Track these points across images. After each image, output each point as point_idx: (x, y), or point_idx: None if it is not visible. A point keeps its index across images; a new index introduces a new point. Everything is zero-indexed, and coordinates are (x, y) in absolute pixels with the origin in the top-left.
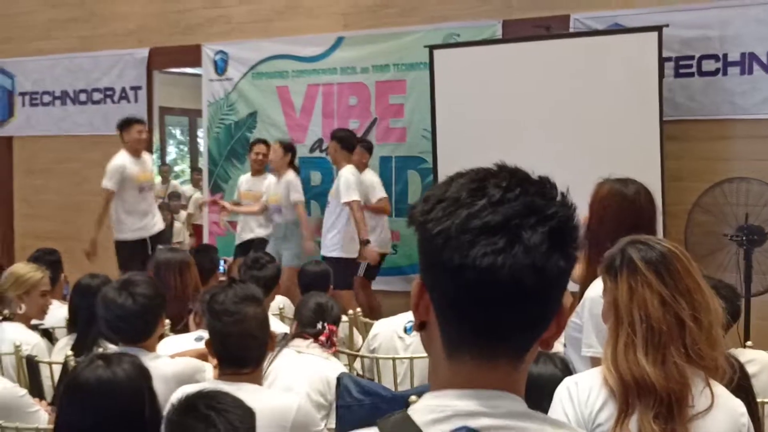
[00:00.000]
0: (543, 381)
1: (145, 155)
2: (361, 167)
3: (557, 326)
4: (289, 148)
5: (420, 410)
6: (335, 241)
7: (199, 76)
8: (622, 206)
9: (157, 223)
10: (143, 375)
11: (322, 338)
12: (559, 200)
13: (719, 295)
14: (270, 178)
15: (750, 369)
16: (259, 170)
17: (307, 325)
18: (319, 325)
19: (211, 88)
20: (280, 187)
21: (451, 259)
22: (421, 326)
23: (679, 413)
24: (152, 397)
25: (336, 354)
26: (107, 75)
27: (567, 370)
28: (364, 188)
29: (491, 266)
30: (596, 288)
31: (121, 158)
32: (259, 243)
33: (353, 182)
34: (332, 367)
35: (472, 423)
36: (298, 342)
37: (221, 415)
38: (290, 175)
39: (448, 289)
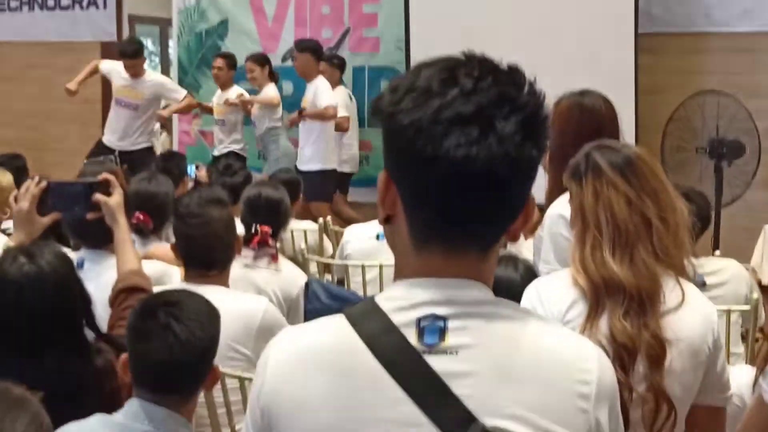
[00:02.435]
0: (500, 283)
1: (149, 79)
2: (333, 85)
3: (525, 218)
4: (264, 60)
5: (388, 298)
6: (312, 153)
7: None
8: (582, 116)
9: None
10: (68, 264)
11: (253, 245)
12: (529, 89)
13: (690, 201)
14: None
15: (720, 277)
16: (223, 85)
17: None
18: (253, 229)
19: None
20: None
21: (424, 151)
22: (386, 220)
23: (651, 309)
24: (80, 288)
25: (300, 261)
26: None
27: (531, 276)
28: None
29: (465, 157)
30: (557, 206)
31: (116, 64)
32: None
33: (330, 91)
34: (281, 283)
35: (440, 310)
36: (246, 252)
37: (181, 323)
38: (270, 88)
39: (418, 181)
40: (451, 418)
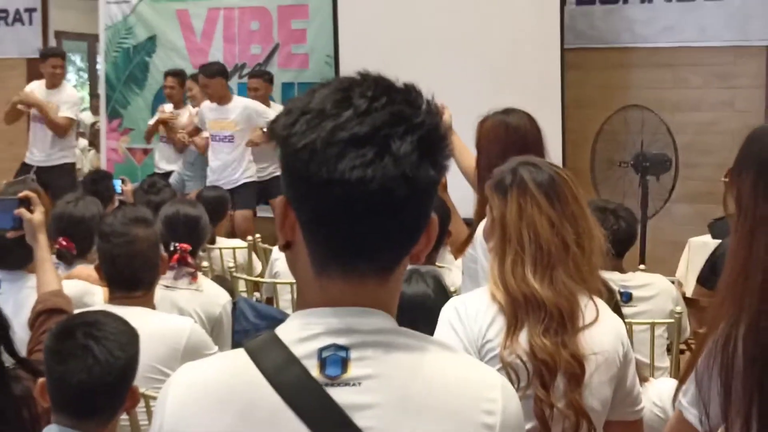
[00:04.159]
0: (416, 300)
1: (67, 89)
2: (265, 100)
3: (427, 239)
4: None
5: (288, 329)
6: (247, 168)
7: None
8: (507, 134)
9: (48, 159)
10: None
11: (172, 262)
12: (425, 108)
13: (618, 216)
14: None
15: (647, 291)
16: (176, 103)
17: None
18: (172, 247)
19: (109, 11)
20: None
21: (318, 174)
22: (286, 246)
23: (571, 327)
24: None
25: (224, 280)
26: None
27: (440, 288)
28: None
29: (361, 179)
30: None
31: (34, 84)
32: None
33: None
34: (203, 303)
35: (341, 340)
36: (168, 273)
37: (100, 344)
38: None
39: (315, 205)
40: None
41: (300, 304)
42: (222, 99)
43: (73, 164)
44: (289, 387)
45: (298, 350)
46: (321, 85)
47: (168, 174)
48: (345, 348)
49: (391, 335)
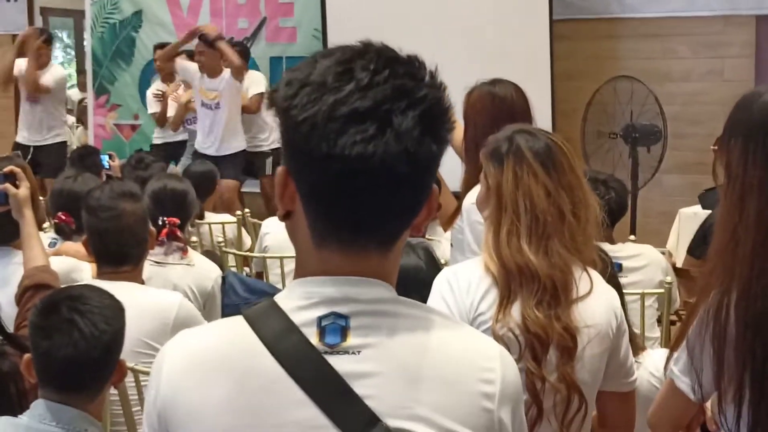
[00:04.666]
0: (407, 272)
1: (55, 68)
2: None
3: (428, 211)
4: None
5: (287, 297)
6: (237, 137)
7: None
8: (494, 105)
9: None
10: None
11: (161, 237)
12: (428, 81)
13: (608, 187)
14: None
15: (637, 262)
16: (168, 75)
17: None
18: (160, 221)
19: None
20: None
21: (319, 148)
22: (286, 216)
23: (564, 300)
24: None
25: (213, 255)
26: None
27: (431, 259)
28: None
29: (361, 155)
30: (473, 195)
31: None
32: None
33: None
34: (195, 277)
35: (340, 309)
36: (158, 249)
37: (85, 317)
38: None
39: (315, 179)
40: (354, 419)
41: (299, 273)
42: (213, 71)
43: (64, 142)
44: (288, 355)
45: (297, 318)
46: (322, 56)
47: (160, 145)
48: (344, 317)
49: (391, 305)
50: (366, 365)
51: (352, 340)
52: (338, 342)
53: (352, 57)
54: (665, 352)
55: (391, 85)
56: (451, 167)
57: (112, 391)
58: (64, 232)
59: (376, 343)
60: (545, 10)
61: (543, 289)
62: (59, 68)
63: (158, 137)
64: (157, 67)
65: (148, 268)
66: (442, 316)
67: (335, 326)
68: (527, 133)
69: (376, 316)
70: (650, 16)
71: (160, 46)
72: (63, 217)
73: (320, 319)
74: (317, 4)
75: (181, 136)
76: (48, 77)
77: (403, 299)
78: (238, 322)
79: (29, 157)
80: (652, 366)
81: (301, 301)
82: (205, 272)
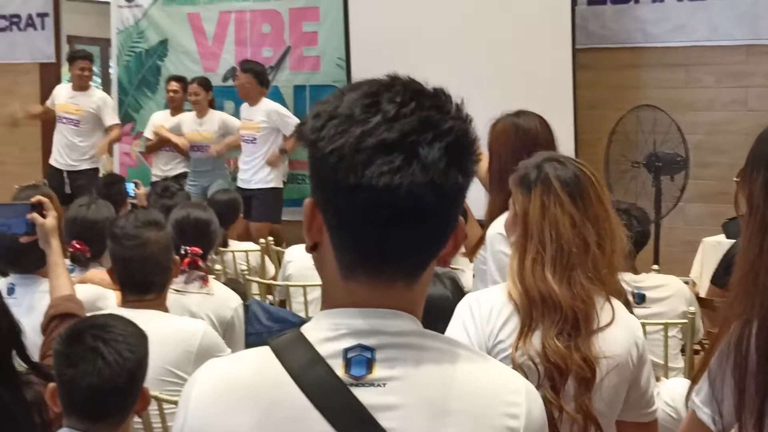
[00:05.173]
0: (434, 302)
1: (98, 93)
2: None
3: (454, 243)
4: (208, 86)
5: (314, 328)
6: (269, 171)
7: (107, 3)
8: (518, 137)
9: (77, 164)
10: None
11: (183, 266)
12: (454, 113)
13: (631, 217)
14: (185, 116)
15: (660, 293)
16: (176, 108)
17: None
18: (182, 250)
19: (121, 15)
20: (213, 125)
21: (346, 180)
22: (313, 248)
23: (585, 330)
24: (8, 317)
25: (237, 283)
26: (12, 1)
27: (457, 289)
28: None
29: (388, 186)
30: (496, 225)
31: (60, 87)
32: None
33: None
34: (214, 306)
35: (366, 341)
36: (179, 277)
37: (109, 345)
38: (217, 113)
39: (342, 210)
40: None
41: (326, 304)
42: (246, 96)
43: (97, 169)
44: (313, 386)
45: (323, 350)
46: (349, 88)
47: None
48: (370, 349)
49: (417, 337)
50: (391, 398)
51: (377, 373)
52: (364, 374)
53: (378, 90)
54: (682, 381)
55: (417, 117)
56: (476, 196)
57: (136, 419)
58: (79, 261)
59: (401, 375)
60: (568, 40)
61: (564, 319)
62: (104, 95)
63: (155, 175)
64: (169, 99)
65: (167, 297)
66: (467, 350)
67: (361, 358)
68: (557, 162)
69: (402, 349)
70: (673, 45)
71: (175, 78)
72: (77, 246)
73: (346, 351)
74: (341, 33)
75: (179, 170)
76: (110, 112)
77: (429, 332)
78: (265, 353)
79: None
80: (667, 396)
81: (327, 333)
82: (225, 301)
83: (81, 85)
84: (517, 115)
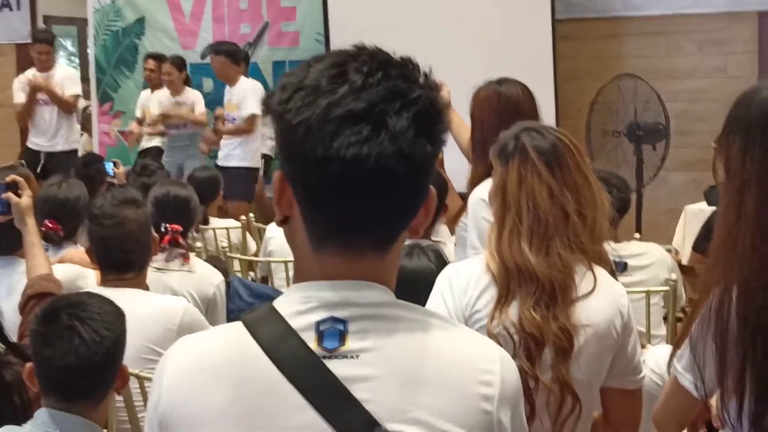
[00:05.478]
0: (418, 274)
1: (60, 70)
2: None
3: (425, 213)
4: (182, 65)
5: (285, 302)
6: (238, 151)
7: None
8: (500, 105)
9: (56, 144)
10: None
11: (163, 244)
12: (422, 82)
13: (610, 185)
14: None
15: (642, 260)
16: (155, 86)
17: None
18: (163, 228)
19: None
20: (189, 103)
21: (314, 151)
22: (284, 221)
23: (562, 300)
24: None
25: (218, 260)
26: None
27: (441, 262)
28: None
29: (356, 156)
30: (478, 190)
31: (28, 72)
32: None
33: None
34: (196, 284)
35: (338, 313)
36: (159, 255)
37: (85, 324)
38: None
39: (311, 182)
40: (353, 423)
41: (298, 277)
42: (225, 79)
43: (74, 151)
44: (286, 359)
45: (295, 323)
46: (316, 60)
47: (148, 150)
48: (343, 321)
49: (389, 308)
50: (364, 369)
51: (350, 344)
52: (336, 346)
53: (345, 60)
54: (666, 348)
55: (384, 87)
56: (457, 167)
57: (118, 397)
58: (52, 240)
59: (374, 346)
60: (547, 10)
61: (541, 289)
62: (69, 69)
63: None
64: (146, 77)
65: (148, 275)
66: (440, 319)
67: (333, 330)
68: (535, 131)
69: (375, 320)
70: (653, 14)
71: (152, 56)
72: (50, 225)
73: (318, 323)
74: (319, 8)
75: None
76: (69, 84)
77: (402, 302)
78: (237, 328)
79: (41, 163)
80: (652, 362)
81: (299, 306)
82: (207, 278)
83: (42, 68)
84: (499, 83)
